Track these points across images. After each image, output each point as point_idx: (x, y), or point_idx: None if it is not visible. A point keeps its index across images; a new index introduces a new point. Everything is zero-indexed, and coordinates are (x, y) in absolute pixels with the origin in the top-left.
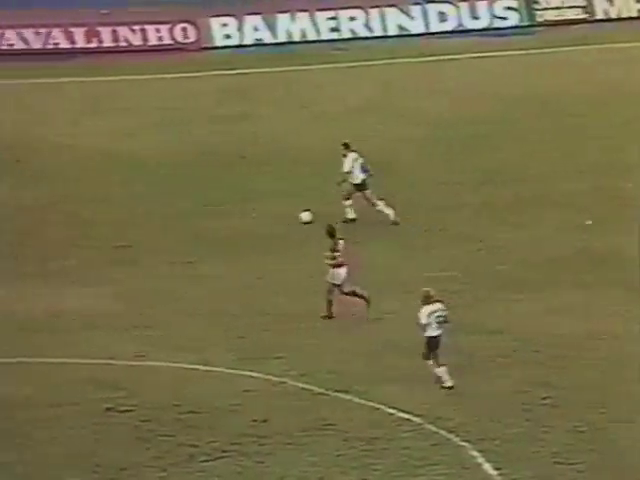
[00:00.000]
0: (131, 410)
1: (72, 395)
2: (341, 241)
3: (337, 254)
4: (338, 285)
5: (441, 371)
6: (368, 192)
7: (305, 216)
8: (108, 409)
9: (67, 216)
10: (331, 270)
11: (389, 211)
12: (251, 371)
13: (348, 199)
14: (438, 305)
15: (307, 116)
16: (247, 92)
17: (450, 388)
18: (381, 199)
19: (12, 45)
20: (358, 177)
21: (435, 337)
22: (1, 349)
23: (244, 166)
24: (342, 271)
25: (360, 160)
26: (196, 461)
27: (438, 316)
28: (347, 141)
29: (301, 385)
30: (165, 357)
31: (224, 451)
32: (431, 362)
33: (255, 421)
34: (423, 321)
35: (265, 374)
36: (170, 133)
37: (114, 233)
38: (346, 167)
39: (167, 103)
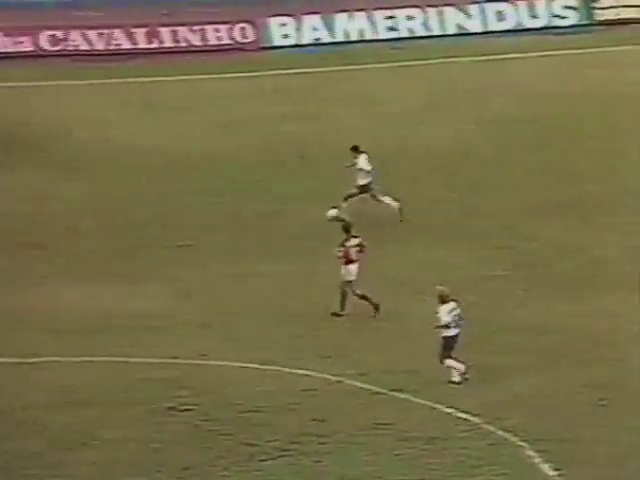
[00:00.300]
0: (192, 409)
1: (135, 394)
2: (355, 239)
3: (343, 249)
4: (350, 281)
5: (451, 363)
6: (364, 196)
7: (331, 213)
8: (170, 408)
9: (129, 216)
10: (343, 267)
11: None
12: (309, 370)
13: (379, 198)
14: (453, 304)
15: (365, 115)
16: (305, 92)
17: (459, 384)
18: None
19: (77, 46)
20: (365, 179)
21: (453, 337)
22: (67, 348)
23: (303, 166)
24: (353, 267)
25: (369, 165)
26: (256, 460)
27: (455, 315)
28: (356, 144)
29: (359, 384)
30: (225, 356)
31: (283, 450)
32: (450, 361)
33: (314, 420)
34: (446, 319)
35: (323, 373)
36: (228, 133)
37: (175, 233)
38: (367, 166)
39: (226, 103)
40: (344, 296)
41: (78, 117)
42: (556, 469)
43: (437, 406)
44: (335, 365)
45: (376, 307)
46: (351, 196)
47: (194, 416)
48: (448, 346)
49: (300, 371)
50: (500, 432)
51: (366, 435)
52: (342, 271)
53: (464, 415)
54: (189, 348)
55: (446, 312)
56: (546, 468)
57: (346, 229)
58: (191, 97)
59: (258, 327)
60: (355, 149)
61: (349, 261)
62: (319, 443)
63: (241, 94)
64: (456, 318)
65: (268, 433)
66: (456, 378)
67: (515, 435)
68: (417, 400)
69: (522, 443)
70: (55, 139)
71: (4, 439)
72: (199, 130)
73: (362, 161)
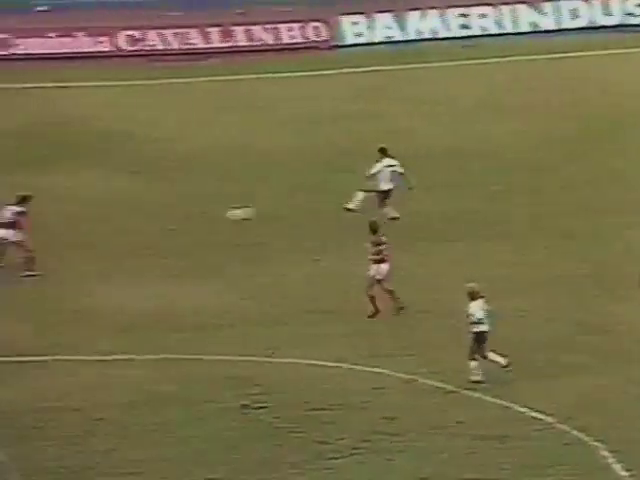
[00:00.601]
0: (264, 407)
1: (209, 392)
2: (383, 237)
3: (381, 248)
4: (380, 280)
5: (492, 355)
6: (387, 201)
7: (240, 213)
8: (243, 406)
9: (201, 214)
10: (374, 266)
11: (394, 213)
12: (382, 368)
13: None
14: (482, 300)
15: (438, 113)
16: (377, 90)
17: (507, 366)
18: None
19: (154, 46)
20: (385, 185)
21: (485, 332)
22: (145, 346)
23: (370, 164)
24: (385, 266)
25: (392, 168)
26: (326, 458)
27: (485, 311)
28: (383, 146)
29: (431, 383)
30: (297, 354)
31: (354, 448)
32: (477, 363)
33: (385, 418)
34: (479, 315)
35: (396, 371)
36: (301, 131)
37: (246, 231)
38: (371, 170)
39: (299, 101)
40: (391, 293)
41: (154, 116)
42: (627, 469)
43: (510, 405)
44: (408, 363)
45: (376, 312)
46: (383, 199)
47: (266, 414)
48: (480, 342)
49: (372, 369)
50: (574, 432)
51: (438, 434)
52: (372, 271)
53: (537, 414)
54: (262, 346)
55: (478, 308)
56: (618, 468)
57: (374, 229)
58: (264, 96)
59: (331, 324)
60: (382, 151)
61: (381, 260)
62: (391, 442)
63: (313, 92)
64: (486, 314)
65: (339, 431)
66: (477, 377)
67: (588, 435)
68: (490, 399)
69: (596, 443)
70: (132, 138)
71: (81, 437)
72: (272, 128)
73: (378, 164)
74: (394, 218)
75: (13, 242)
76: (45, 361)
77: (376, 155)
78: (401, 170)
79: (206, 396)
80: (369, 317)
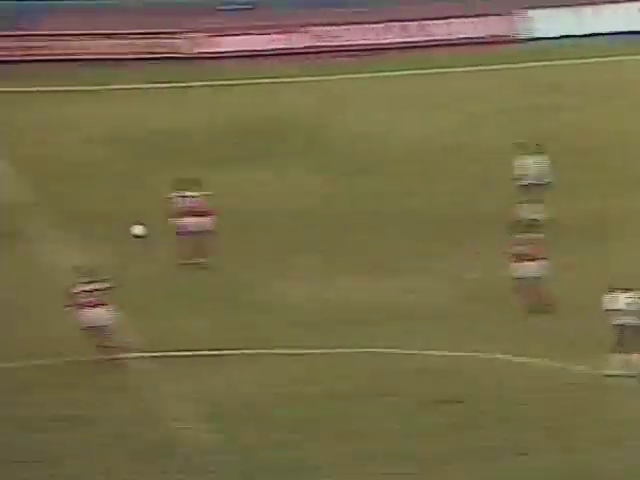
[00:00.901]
0: (454, 401)
1: (404, 386)
2: (529, 235)
3: (524, 248)
4: (527, 279)
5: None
6: (534, 199)
7: (137, 229)
8: (433, 401)
9: (381, 209)
10: (521, 264)
11: (538, 213)
12: (574, 364)
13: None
14: (630, 293)
15: (614, 108)
16: (556, 84)
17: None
18: None
19: (330, 43)
20: (529, 181)
21: (633, 326)
22: (329, 340)
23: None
24: (532, 265)
25: (538, 165)
26: (513, 454)
27: (633, 304)
28: (522, 140)
29: (612, 379)
30: (480, 348)
31: (541, 444)
32: (622, 354)
33: (575, 415)
34: (615, 306)
35: (574, 367)
36: (478, 125)
37: (427, 227)
38: (519, 170)
39: (476, 96)
40: (541, 290)
41: (334, 112)
42: None
43: None
44: (591, 359)
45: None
46: (534, 195)
47: (455, 408)
48: (625, 335)
49: (554, 364)
50: None
51: (625, 430)
52: (519, 270)
53: None
54: (453, 340)
55: (617, 301)
56: None
57: (519, 229)
58: (441, 91)
59: (514, 320)
60: (520, 146)
61: (530, 259)
62: (574, 439)
63: (491, 87)
64: (636, 307)
65: (526, 427)
66: (614, 371)
67: None
68: None
69: None
70: (308, 134)
71: (283, 434)
72: (448, 123)
73: (522, 160)
74: (536, 219)
75: (202, 231)
76: (255, 354)
77: (532, 151)
78: (540, 171)
79: (399, 390)
80: (526, 313)
